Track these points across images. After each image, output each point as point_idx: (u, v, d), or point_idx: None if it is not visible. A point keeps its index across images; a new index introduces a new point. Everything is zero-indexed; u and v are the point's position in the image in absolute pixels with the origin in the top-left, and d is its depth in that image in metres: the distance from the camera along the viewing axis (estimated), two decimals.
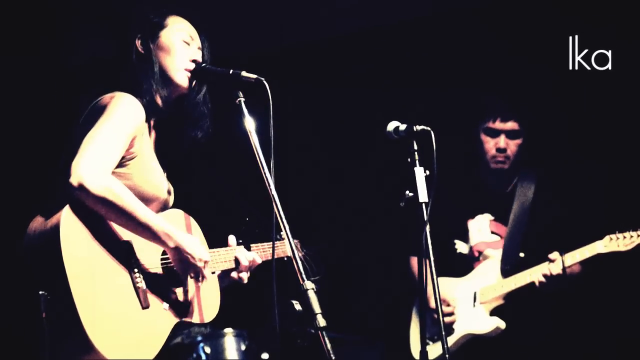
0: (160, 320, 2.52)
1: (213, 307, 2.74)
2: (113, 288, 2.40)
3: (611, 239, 3.67)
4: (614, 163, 4.51)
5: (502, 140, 4.11)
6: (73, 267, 2.30)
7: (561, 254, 3.78)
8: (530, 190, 4.10)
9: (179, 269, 2.58)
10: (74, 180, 2.35)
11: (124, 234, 2.50)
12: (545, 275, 3.80)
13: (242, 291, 2.94)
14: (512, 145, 4.12)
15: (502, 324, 3.96)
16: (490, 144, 4.14)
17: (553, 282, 3.79)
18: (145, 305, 2.46)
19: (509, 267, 4.00)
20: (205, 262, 2.59)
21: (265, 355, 4.31)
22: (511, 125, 4.11)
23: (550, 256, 3.81)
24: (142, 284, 2.48)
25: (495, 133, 4.13)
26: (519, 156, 4.14)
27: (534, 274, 3.85)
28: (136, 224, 2.44)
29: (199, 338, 4.42)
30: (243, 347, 4.42)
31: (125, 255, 2.48)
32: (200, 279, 2.62)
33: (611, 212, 4.27)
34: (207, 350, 4.35)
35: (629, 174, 4.46)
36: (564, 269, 3.75)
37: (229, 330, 4.46)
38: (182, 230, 2.68)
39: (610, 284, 4.33)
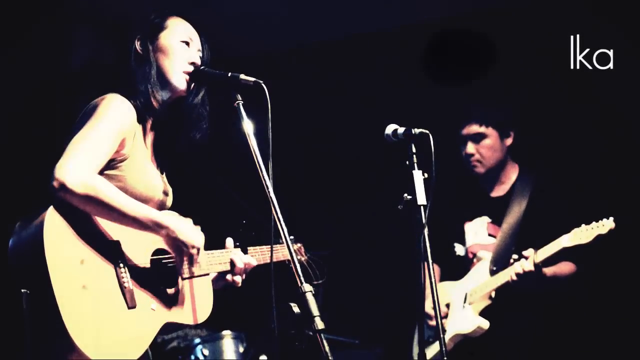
0: (147, 320, 2.51)
1: (204, 308, 2.72)
2: (98, 288, 2.39)
3: (575, 232, 3.68)
4: (613, 163, 4.52)
5: (468, 146, 4.13)
6: (56, 267, 2.29)
7: (535, 251, 3.78)
8: (527, 193, 4.09)
9: (175, 255, 2.59)
10: (55, 182, 2.34)
11: (112, 233, 2.49)
12: (517, 273, 3.80)
13: (241, 293, 2.94)
14: (481, 149, 4.12)
15: (485, 324, 3.96)
16: (463, 152, 4.17)
17: (525, 279, 3.78)
18: (131, 305, 2.45)
19: (496, 268, 4.00)
20: (197, 248, 2.61)
21: (263, 357, 4.31)
22: (473, 128, 4.12)
23: (524, 253, 3.81)
24: (128, 284, 2.47)
25: (463, 140, 4.16)
26: (497, 157, 4.12)
27: (509, 272, 3.85)
28: (124, 217, 2.44)
29: (197, 340, 4.43)
30: (241, 349, 4.42)
31: (112, 255, 2.47)
32: (194, 264, 2.63)
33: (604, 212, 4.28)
34: (205, 352, 4.36)
35: (629, 174, 4.47)
36: (536, 265, 3.75)
37: (226, 333, 4.46)
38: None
39: (599, 283, 4.35)
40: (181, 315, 2.62)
